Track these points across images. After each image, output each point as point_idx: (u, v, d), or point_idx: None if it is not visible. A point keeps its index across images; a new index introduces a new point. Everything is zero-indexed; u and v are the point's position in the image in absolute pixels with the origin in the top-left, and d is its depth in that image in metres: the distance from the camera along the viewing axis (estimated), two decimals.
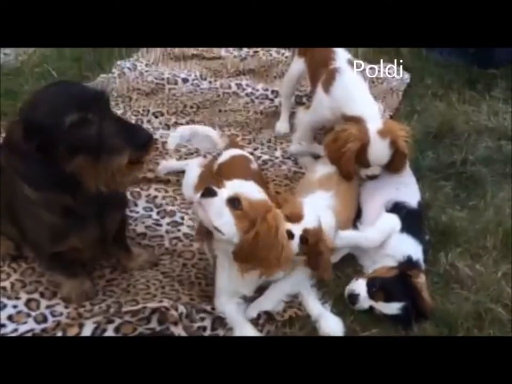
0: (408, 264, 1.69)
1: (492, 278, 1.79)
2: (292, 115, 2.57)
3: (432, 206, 2.08)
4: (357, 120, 1.90)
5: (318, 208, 1.70)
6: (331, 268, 1.69)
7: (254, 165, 1.97)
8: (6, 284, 1.64)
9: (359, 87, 2.00)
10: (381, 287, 1.63)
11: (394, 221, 1.79)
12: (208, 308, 1.56)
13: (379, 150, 1.88)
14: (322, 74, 2.05)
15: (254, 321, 1.58)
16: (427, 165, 2.30)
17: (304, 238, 1.57)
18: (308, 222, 1.59)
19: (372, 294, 1.63)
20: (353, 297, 1.65)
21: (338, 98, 1.99)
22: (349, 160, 1.87)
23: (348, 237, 1.77)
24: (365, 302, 1.64)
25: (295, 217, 1.59)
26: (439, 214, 2.04)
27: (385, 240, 1.77)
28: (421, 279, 1.66)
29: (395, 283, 1.64)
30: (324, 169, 1.99)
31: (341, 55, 2.07)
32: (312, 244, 1.59)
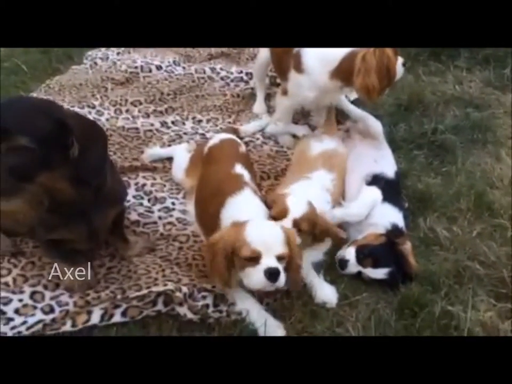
0: (394, 232, 1.80)
1: (467, 238, 1.92)
2: (267, 96, 2.65)
3: (408, 175, 2.20)
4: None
5: (315, 188, 1.82)
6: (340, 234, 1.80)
7: (243, 148, 2.04)
8: (8, 279, 1.68)
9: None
10: (369, 254, 1.74)
11: (375, 192, 1.89)
12: (209, 286, 1.64)
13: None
14: (289, 61, 2.12)
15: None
16: (400, 136, 2.42)
17: (297, 228, 1.66)
18: (295, 212, 1.68)
19: (360, 260, 1.74)
20: (343, 263, 1.76)
21: (312, 71, 2.07)
22: None
23: (336, 215, 1.86)
24: (353, 267, 1.75)
25: (282, 214, 1.68)
26: (415, 182, 2.17)
27: (369, 211, 1.87)
28: (407, 245, 1.77)
29: (382, 250, 1.75)
30: (321, 146, 2.08)
31: None
32: (309, 227, 1.69)
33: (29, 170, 1.25)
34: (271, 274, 1.47)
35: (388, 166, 2.07)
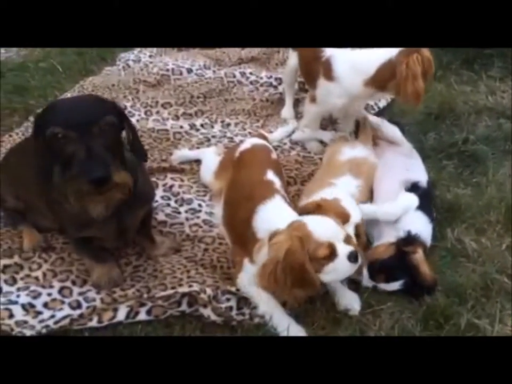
0: (405, 240, 1.76)
1: (496, 251, 1.89)
2: (296, 101, 2.65)
3: (437, 184, 2.17)
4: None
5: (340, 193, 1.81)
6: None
7: (274, 155, 2.05)
8: (39, 273, 1.72)
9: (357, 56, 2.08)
10: (379, 269, 1.72)
11: (413, 198, 1.87)
12: (233, 289, 1.65)
13: None
14: (318, 69, 2.13)
15: None
16: (430, 145, 2.39)
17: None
18: (355, 217, 1.70)
19: (373, 277, 1.73)
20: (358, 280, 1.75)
21: (343, 79, 2.07)
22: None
23: (367, 209, 1.84)
24: (368, 283, 1.74)
25: (344, 219, 1.66)
26: (444, 192, 2.14)
27: (402, 214, 1.85)
28: (418, 254, 1.73)
29: (392, 262, 1.72)
30: (352, 152, 2.08)
31: None
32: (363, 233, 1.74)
33: (118, 145, 1.46)
34: (352, 257, 1.51)
35: (420, 174, 2.05)
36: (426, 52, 1.95)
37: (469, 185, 2.19)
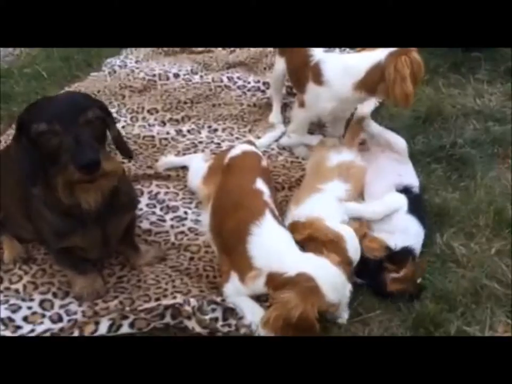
0: (394, 256, 1.74)
1: (485, 255, 1.86)
2: (284, 106, 2.63)
3: (426, 188, 2.15)
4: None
5: (329, 200, 1.81)
6: None
7: (264, 163, 2.01)
8: (19, 286, 1.68)
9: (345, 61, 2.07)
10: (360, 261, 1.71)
11: (401, 199, 1.85)
12: (218, 299, 1.61)
13: None
14: (307, 74, 2.10)
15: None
16: (418, 149, 2.37)
17: None
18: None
19: None
20: None
21: (333, 82, 2.05)
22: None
23: (353, 209, 1.83)
24: None
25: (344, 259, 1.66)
26: (432, 196, 2.12)
27: (391, 217, 1.83)
28: (397, 275, 1.70)
29: (370, 267, 1.71)
30: (339, 157, 2.05)
31: (316, 49, 2.13)
32: None
33: (104, 139, 1.44)
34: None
35: (413, 180, 2.03)
36: (415, 54, 1.94)
37: (457, 189, 2.17)
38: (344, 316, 1.63)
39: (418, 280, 1.75)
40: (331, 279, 1.54)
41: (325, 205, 1.80)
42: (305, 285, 1.51)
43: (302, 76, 2.16)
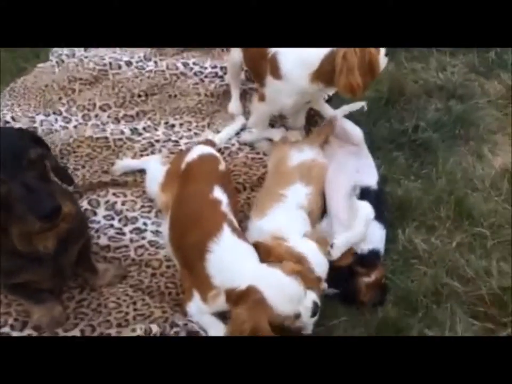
0: (363, 259, 1.75)
1: (446, 249, 1.89)
2: (244, 93, 2.53)
3: (388, 178, 2.13)
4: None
5: (290, 210, 1.78)
6: None
7: (222, 166, 1.93)
8: None
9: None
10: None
11: (368, 209, 1.80)
12: (181, 322, 1.60)
13: None
14: (265, 67, 2.01)
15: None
16: (380, 135, 2.33)
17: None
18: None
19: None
20: None
21: (290, 75, 1.97)
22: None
23: (343, 242, 1.76)
24: None
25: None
26: (395, 187, 2.10)
27: (353, 223, 1.79)
28: (369, 278, 1.72)
29: (341, 275, 1.71)
30: (300, 156, 1.99)
31: None
32: None
33: (48, 176, 1.38)
34: (314, 310, 1.56)
35: (370, 176, 1.99)
36: (373, 49, 1.85)
37: (419, 177, 2.17)
38: (308, 327, 1.63)
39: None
40: (281, 290, 1.51)
41: (288, 217, 1.77)
42: (252, 298, 1.50)
43: (260, 68, 2.06)
